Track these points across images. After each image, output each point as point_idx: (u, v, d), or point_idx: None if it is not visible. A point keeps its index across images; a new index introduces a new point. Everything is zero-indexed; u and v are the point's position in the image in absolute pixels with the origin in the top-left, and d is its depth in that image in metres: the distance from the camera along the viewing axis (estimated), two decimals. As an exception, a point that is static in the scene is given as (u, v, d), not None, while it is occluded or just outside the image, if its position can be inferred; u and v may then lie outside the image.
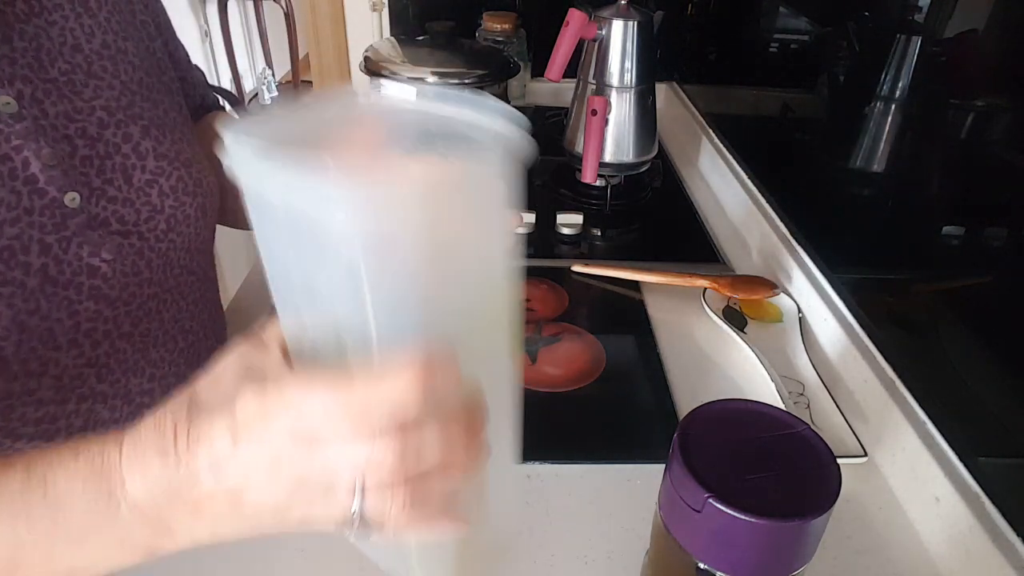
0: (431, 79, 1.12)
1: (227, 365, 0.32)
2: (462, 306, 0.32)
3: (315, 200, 0.27)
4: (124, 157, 0.52)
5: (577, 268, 0.88)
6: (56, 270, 0.47)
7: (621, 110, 1.01)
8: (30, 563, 0.33)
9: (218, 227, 0.65)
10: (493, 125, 0.31)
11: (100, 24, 0.53)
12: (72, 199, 0.48)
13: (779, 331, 0.77)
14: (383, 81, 0.33)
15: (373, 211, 0.26)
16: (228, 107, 0.93)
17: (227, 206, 0.63)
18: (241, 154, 0.28)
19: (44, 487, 0.33)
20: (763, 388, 0.68)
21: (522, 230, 0.91)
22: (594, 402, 0.68)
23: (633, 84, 1.00)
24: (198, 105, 0.70)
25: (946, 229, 0.64)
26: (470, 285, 0.33)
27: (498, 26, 1.37)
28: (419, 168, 0.30)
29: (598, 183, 1.04)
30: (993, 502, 0.50)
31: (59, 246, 0.47)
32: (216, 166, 0.61)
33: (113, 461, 0.32)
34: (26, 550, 0.33)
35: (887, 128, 0.74)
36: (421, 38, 1.25)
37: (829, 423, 0.64)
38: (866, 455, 0.60)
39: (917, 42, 0.69)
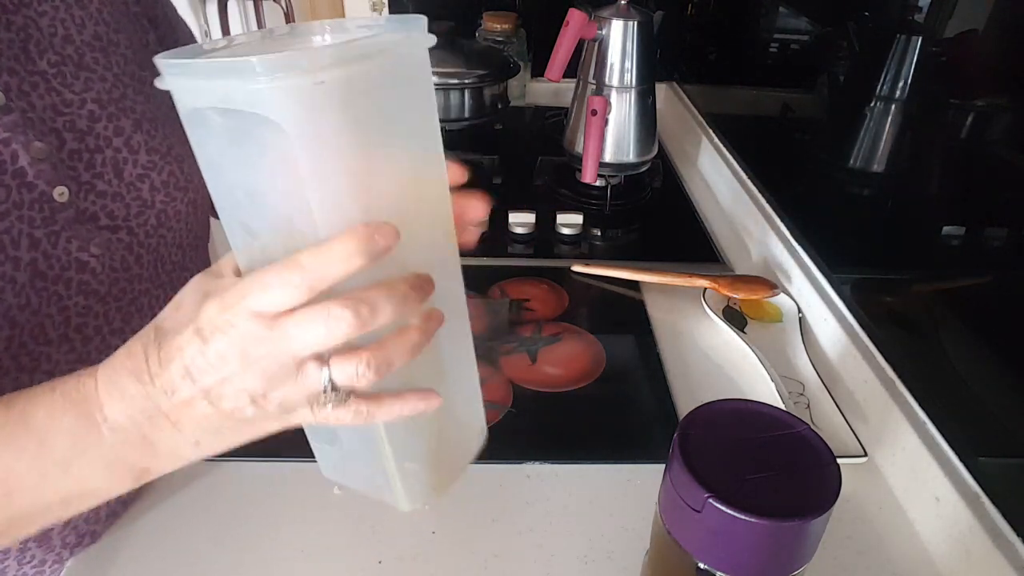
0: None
1: (185, 293, 0.34)
2: (399, 191, 0.34)
3: (246, 95, 0.28)
4: (115, 151, 0.52)
5: (577, 268, 0.88)
6: (45, 265, 0.47)
7: (621, 110, 1.01)
8: (21, 489, 0.35)
9: (214, 222, 0.65)
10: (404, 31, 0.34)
11: (91, 15, 0.53)
12: (61, 193, 0.48)
13: (779, 331, 0.77)
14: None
15: (300, 95, 0.28)
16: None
17: None
18: (175, 72, 0.30)
19: (25, 420, 0.35)
20: (763, 388, 0.68)
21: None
22: (594, 402, 0.68)
23: (633, 84, 1.00)
24: None
25: (946, 229, 0.64)
26: (405, 169, 0.34)
27: (498, 26, 1.37)
28: (338, 49, 0.31)
29: (598, 183, 1.04)
30: (993, 502, 0.50)
31: (48, 241, 0.47)
32: None
33: (89, 389, 0.34)
34: (16, 477, 0.35)
35: (887, 128, 0.74)
36: (421, 38, 1.25)
37: (829, 423, 0.64)
38: (866, 455, 0.60)
39: (917, 42, 0.69)
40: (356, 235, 0.30)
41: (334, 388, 0.33)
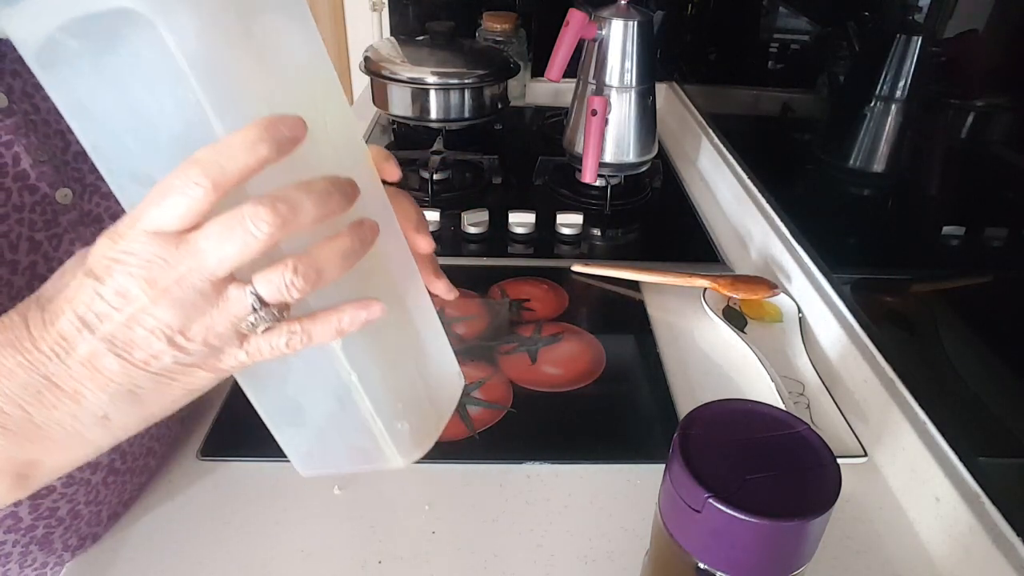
0: (431, 79, 1.13)
1: (70, 261, 0.31)
2: (302, 91, 0.31)
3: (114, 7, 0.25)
4: None
5: (577, 268, 0.88)
6: (45, 268, 0.47)
7: (621, 110, 1.01)
8: None
9: None
10: None
11: None
12: (64, 195, 0.48)
13: (779, 331, 0.77)
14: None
15: None
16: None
17: None
18: (25, 17, 0.26)
19: None
20: (763, 388, 0.68)
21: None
22: (594, 402, 0.68)
23: (633, 84, 1.00)
24: None
25: (946, 229, 0.64)
26: (303, 64, 0.31)
27: (498, 26, 1.37)
28: None
29: (598, 183, 1.04)
30: (993, 502, 0.50)
31: (49, 243, 0.47)
32: None
33: None
34: None
35: (887, 128, 0.74)
36: (421, 38, 1.25)
37: (829, 423, 0.64)
38: (866, 455, 0.60)
39: (917, 42, 0.69)
40: (257, 124, 0.27)
41: (263, 305, 0.29)
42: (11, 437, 0.29)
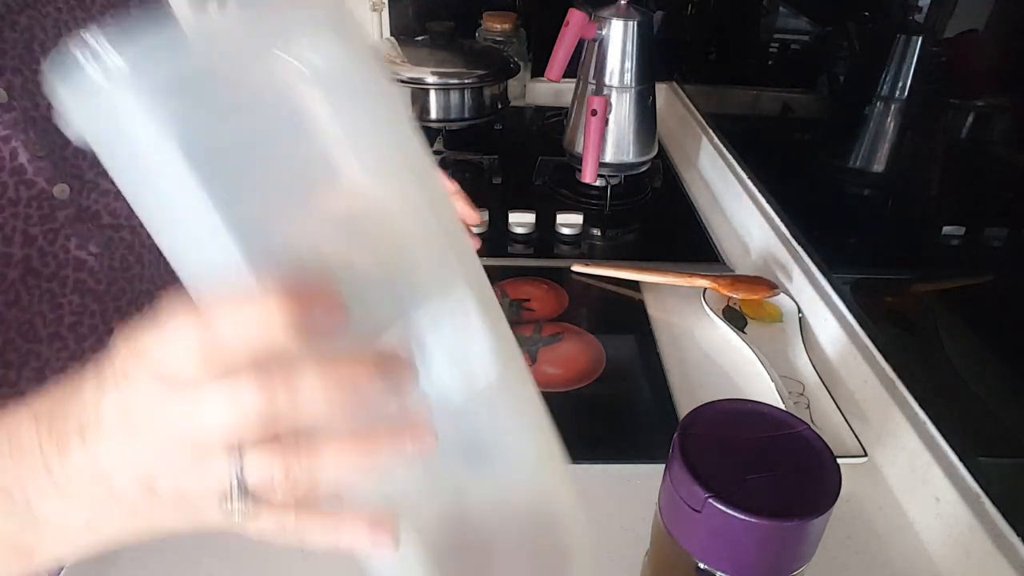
0: (431, 79, 1.13)
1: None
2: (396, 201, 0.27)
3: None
4: None
5: (577, 268, 0.88)
6: (40, 262, 0.47)
7: (621, 110, 1.01)
8: None
9: None
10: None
11: (94, 17, 0.54)
12: (61, 191, 0.48)
13: (779, 331, 0.77)
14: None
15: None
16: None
17: None
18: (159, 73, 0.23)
19: None
20: (763, 388, 0.68)
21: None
22: (594, 402, 0.68)
23: (633, 84, 1.00)
24: None
25: (946, 229, 0.64)
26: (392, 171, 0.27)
27: (498, 26, 1.37)
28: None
29: (598, 183, 1.04)
30: (993, 502, 0.50)
31: (44, 238, 0.47)
32: None
33: None
34: None
35: (887, 128, 0.74)
36: (421, 38, 1.25)
37: (829, 423, 0.64)
38: (866, 455, 0.60)
39: (917, 42, 0.69)
40: (280, 295, 0.23)
41: (243, 486, 0.25)
42: (15, 518, 0.28)
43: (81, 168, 0.50)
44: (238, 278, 0.24)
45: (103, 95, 0.22)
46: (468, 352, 0.29)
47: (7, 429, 0.28)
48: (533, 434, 0.33)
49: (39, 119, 0.48)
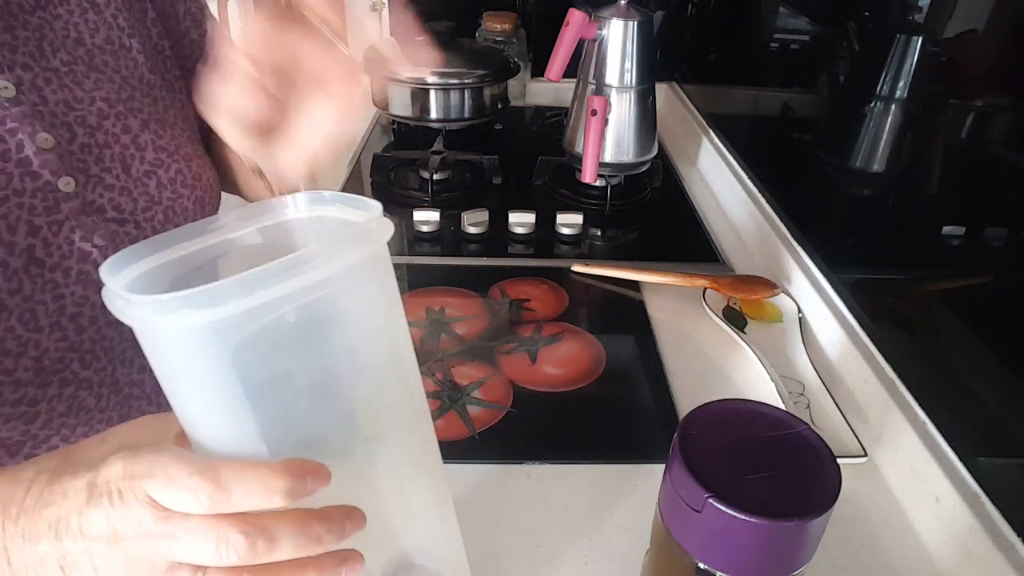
0: (431, 79, 1.13)
1: (119, 430, 0.33)
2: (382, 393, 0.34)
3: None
4: (123, 147, 0.53)
5: (577, 268, 0.88)
6: (43, 252, 0.48)
7: (621, 110, 1.01)
8: None
9: None
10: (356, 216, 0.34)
11: (106, 20, 0.54)
12: (67, 184, 0.49)
13: (779, 331, 0.77)
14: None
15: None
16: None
17: (239, 180, 0.66)
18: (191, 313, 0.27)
19: None
20: (763, 388, 0.68)
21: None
22: (594, 402, 0.68)
23: (633, 84, 1.00)
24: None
25: (946, 229, 0.64)
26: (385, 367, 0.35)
27: (498, 26, 1.37)
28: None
29: (598, 183, 1.04)
30: (993, 502, 0.50)
31: (49, 229, 0.48)
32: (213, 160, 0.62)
33: None
34: None
35: (887, 128, 0.74)
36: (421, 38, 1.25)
37: (829, 423, 0.64)
38: (866, 455, 0.60)
39: (917, 42, 0.69)
40: (287, 472, 0.29)
41: None
42: None
43: (87, 163, 0.51)
44: (254, 453, 0.30)
45: (170, 316, 0.27)
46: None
47: None
48: (443, 515, 0.42)
49: (46, 114, 0.49)
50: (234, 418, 0.30)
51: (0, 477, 0.32)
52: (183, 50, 0.64)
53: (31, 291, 0.47)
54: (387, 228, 0.32)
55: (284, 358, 0.31)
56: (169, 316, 0.26)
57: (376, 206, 0.32)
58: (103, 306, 0.52)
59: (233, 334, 0.28)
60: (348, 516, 0.31)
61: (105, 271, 0.29)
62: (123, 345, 0.54)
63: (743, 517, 0.33)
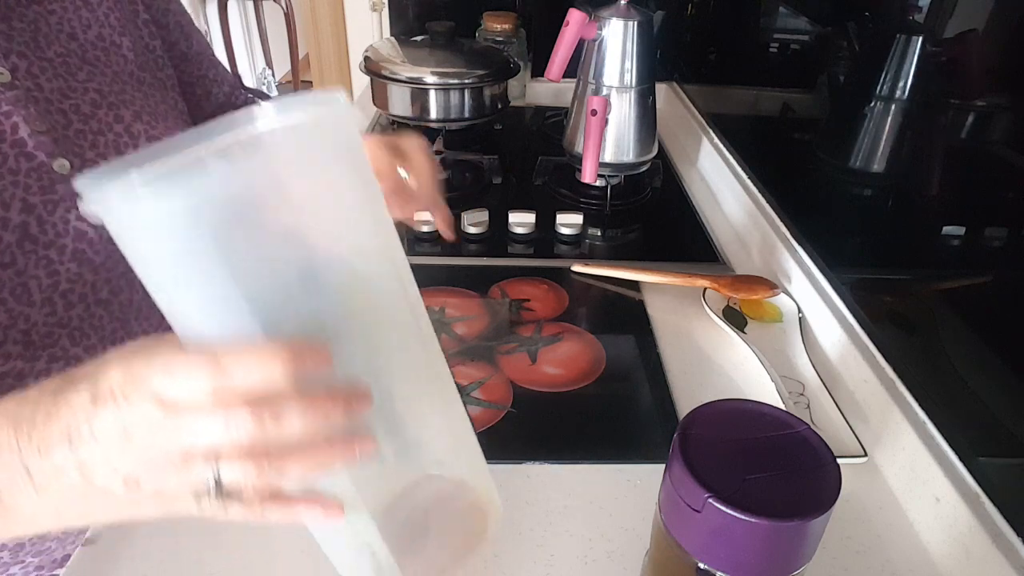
0: (431, 79, 1.13)
1: (117, 352, 0.33)
2: (346, 279, 0.33)
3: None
4: (116, 135, 0.55)
5: (577, 268, 0.88)
6: (38, 229, 0.49)
7: (621, 110, 1.01)
8: None
9: None
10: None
11: (98, 18, 0.56)
12: (62, 165, 0.50)
13: (779, 331, 0.77)
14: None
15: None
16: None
17: None
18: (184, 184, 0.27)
19: None
20: (763, 388, 0.68)
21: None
22: (594, 402, 0.68)
23: (633, 84, 1.00)
24: (222, 103, 0.72)
25: (946, 229, 0.64)
26: (350, 251, 0.33)
27: (498, 26, 1.37)
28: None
29: (598, 183, 1.04)
30: (993, 502, 0.50)
31: (44, 207, 0.49)
32: None
33: None
34: None
35: (887, 128, 0.74)
36: (421, 38, 1.25)
37: (829, 423, 0.64)
38: (866, 455, 0.60)
39: (917, 42, 0.69)
40: (286, 349, 0.29)
41: (219, 487, 0.30)
42: None
43: (82, 148, 0.52)
44: (251, 339, 0.30)
45: (144, 202, 0.27)
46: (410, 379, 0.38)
47: None
48: (453, 426, 0.43)
49: (41, 99, 0.50)
50: (226, 303, 0.30)
51: (6, 402, 0.32)
52: (174, 59, 0.66)
53: (24, 266, 0.48)
54: (343, 97, 0.31)
55: (266, 240, 0.30)
56: (141, 194, 0.26)
57: (339, 92, 0.32)
58: (93, 284, 0.53)
59: (209, 207, 0.28)
60: (354, 393, 0.32)
61: (81, 184, 0.28)
62: (113, 325, 0.54)
63: (743, 517, 0.33)
